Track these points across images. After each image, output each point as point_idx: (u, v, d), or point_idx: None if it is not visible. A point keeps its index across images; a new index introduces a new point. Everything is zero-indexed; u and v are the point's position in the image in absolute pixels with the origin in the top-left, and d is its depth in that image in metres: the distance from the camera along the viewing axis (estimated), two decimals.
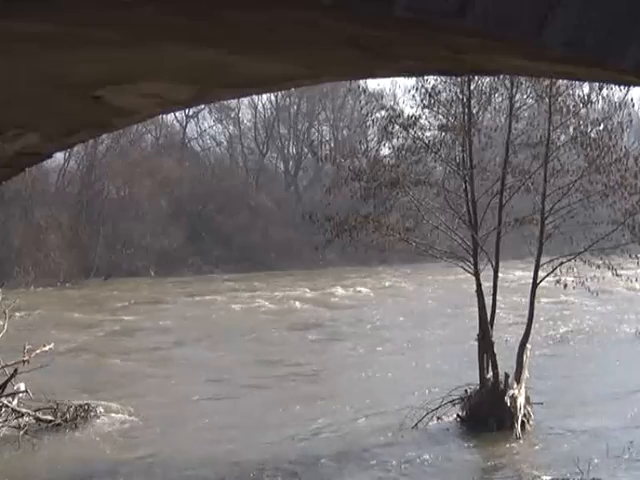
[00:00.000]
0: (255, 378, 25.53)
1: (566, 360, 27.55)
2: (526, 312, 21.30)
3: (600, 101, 21.29)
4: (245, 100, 65.54)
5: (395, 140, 21.49)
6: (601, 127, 20.43)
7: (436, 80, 20.20)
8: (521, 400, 19.21)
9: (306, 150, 71.08)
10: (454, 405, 20.03)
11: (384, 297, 43.92)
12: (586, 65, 2.72)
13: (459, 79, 19.58)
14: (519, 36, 2.52)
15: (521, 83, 20.50)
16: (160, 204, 60.62)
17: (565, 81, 18.64)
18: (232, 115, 72.28)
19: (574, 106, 20.18)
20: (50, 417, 20.05)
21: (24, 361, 20.51)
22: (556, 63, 2.75)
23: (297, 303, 42.06)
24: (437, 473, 17.31)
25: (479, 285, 20.44)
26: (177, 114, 65.85)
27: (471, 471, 17.79)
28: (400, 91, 49.68)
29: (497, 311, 20.89)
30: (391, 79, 52.28)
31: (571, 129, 20.97)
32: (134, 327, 35.50)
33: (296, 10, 2.51)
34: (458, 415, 20.05)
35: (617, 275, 20.99)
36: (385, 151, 26.59)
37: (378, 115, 22.20)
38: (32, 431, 19.32)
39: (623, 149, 20.35)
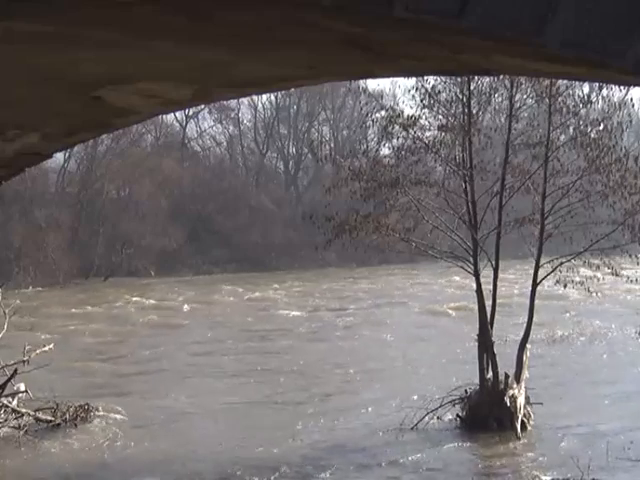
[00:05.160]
0: (255, 378, 25.56)
1: (566, 360, 27.55)
2: (526, 312, 21.31)
3: (600, 101, 21.32)
4: (245, 100, 65.66)
5: (395, 140, 21.48)
6: (601, 127, 20.42)
7: (436, 80, 20.19)
8: (521, 400, 19.20)
9: (306, 150, 71.16)
10: (454, 405, 20.01)
11: (383, 297, 43.94)
12: (586, 65, 2.72)
13: (459, 79, 19.57)
14: (519, 36, 2.52)
15: (521, 83, 20.48)
16: (160, 204, 60.66)
17: (565, 81, 18.64)
18: (232, 115, 72.44)
19: (574, 106, 20.17)
20: (50, 417, 20.03)
21: (24, 361, 20.53)
22: (556, 63, 2.74)
23: (297, 303, 42.08)
24: (437, 473, 17.30)
25: (479, 285, 20.43)
26: (177, 114, 66.05)
27: (471, 471, 17.78)
28: (400, 91, 49.87)
29: (497, 311, 20.88)
30: (391, 79, 52.36)
31: (571, 129, 20.98)
32: (134, 327, 35.53)
33: (296, 10, 2.51)
34: (458, 415, 20.03)
35: (617, 275, 21.01)
36: (385, 151, 26.57)
37: (378, 115, 22.21)
38: (32, 431, 19.32)
39: (623, 149, 20.32)
